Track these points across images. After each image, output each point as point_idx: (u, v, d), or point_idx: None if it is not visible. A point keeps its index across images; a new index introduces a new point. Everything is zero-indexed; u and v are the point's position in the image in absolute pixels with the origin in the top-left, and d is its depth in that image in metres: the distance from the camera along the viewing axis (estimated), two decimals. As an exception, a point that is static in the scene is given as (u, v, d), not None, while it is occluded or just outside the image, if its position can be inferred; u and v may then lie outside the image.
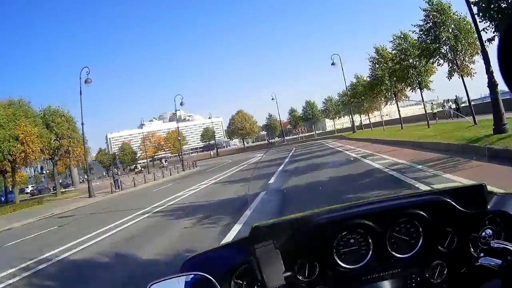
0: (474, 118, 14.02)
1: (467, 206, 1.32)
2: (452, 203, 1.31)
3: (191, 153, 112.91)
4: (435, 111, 25.61)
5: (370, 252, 1.30)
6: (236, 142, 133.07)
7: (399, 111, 28.74)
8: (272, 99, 71.63)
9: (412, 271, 1.34)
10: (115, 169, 34.93)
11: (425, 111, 22.62)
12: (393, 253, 1.32)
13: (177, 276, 1.14)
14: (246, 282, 1.27)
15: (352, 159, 13.43)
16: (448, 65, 15.91)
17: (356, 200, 1.47)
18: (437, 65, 16.70)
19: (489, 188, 1.41)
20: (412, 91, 22.76)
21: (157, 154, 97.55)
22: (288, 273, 1.20)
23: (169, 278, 1.13)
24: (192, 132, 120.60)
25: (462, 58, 15.54)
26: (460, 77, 15.79)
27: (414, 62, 20.83)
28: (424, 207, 1.32)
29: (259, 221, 1.35)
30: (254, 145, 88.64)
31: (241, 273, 1.27)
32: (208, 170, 29.32)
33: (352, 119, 45.06)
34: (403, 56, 21.39)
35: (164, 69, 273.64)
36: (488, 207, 1.36)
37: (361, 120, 47.15)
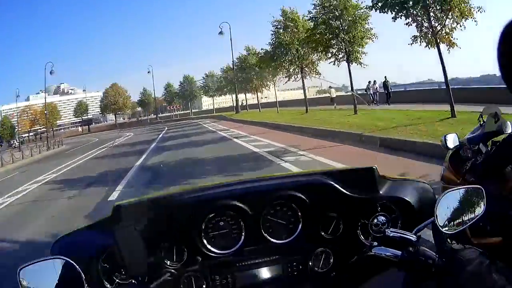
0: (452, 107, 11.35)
1: (355, 190, 1.37)
2: (335, 185, 1.36)
3: (70, 127, 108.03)
4: (334, 95, 25.13)
5: (243, 237, 1.34)
6: (113, 118, 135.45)
7: (304, 90, 24.92)
8: (148, 72, 69.04)
9: (292, 258, 1.37)
10: None
11: (354, 93, 18.57)
12: (269, 238, 1.36)
13: (44, 260, 1.12)
14: (113, 267, 1.29)
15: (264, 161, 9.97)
16: (419, 26, 11.85)
17: None
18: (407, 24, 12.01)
19: (381, 172, 1.45)
20: (335, 64, 18.54)
21: (34, 128, 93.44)
22: (152, 259, 1.24)
23: (36, 262, 1.11)
24: (73, 106, 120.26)
25: (444, 18, 11.57)
26: (434, 47, 11.91)
27: (344, 26, 17.70)
28: (302, 189, 1.35)
29: (123, 200, 1.38)
30: (129, 122, 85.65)
31: (108, 257, 1.29)
32: (68, 152, 27.00)
33: (236, 97, 42.16)
34: (330, 15, 17.91)
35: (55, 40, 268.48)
36: (380, 192, 1.40)
37: (246, 100, 46.14)
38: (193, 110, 70.25)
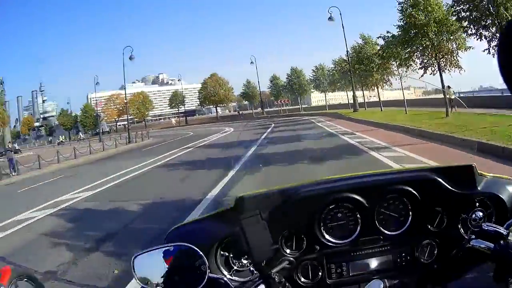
0: None
1: (457, 186, 1.54)
2: (442, 181, 1.53)
3: (169, 117, 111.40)
4: (452, 96, 21.31)
5: (358, 228, 1.51)
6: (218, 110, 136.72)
7: (443, 85, 19.79)
8: (251, 63, 68.38)
9: (401, 249, 1.54)
10: (10, 145, 29.25)
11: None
12: (382, 229, 1.52)
13: (162, 247, 1.32)
14: (233, 254, 1.50)
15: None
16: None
17: None
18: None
19: (479, 170, 1.63)
20: (490, 52, 15.81)
21: (121, 117, 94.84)
22: (275, 246, 1.36)
23: (153, 249, 1.32)
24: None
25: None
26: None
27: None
28: (413, 184, 1.52)
29: (244, 192, 1.55)
30: (231, 115, 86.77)
31: (227, 245, 1.50)
32: (146, 149, 26.78)
33: (354, 93, 39.55)
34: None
35: (152, 31, 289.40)
36: (478, 188, 1.57)
37: (364, 96, 42.39)
38: (302, 106, 68.76)
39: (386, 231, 1.53)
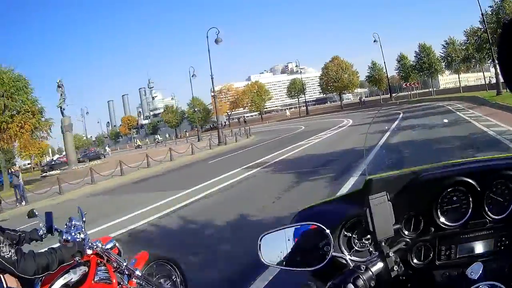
0: None
1: None
2: None
3: (287, 108, 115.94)
4: None
5: (470, 211, 1.71)
6: (349, 97, 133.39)
7: None
8: (375, 41, 65.40)
9: (502, 233, 1.71)
10: (14, 168, 25.19)
11: None
12: (489, 213, 1.70)
13: (288, 227, 1.66)
14: (356, 235, 1.76)
15: None
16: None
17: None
18: None
19: None
20: None
21: (234, 110, 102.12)
22: (397, 226, 1.62)
23: (280, 229, 1.64)
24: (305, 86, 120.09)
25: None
26: None
27: None
28: None
29: (372, 174, 1.73)
30: (355, 102, 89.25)
31: (351, 226, 1.76)
32: (227, 157, 26.55)
33: (496, 69, 33.69)
34: None
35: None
36: None
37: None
38: (434, 89, 66.26)
39: (492, 215, 1.71)
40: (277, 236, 1.66)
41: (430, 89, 67.28)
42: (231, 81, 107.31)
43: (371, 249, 1.70)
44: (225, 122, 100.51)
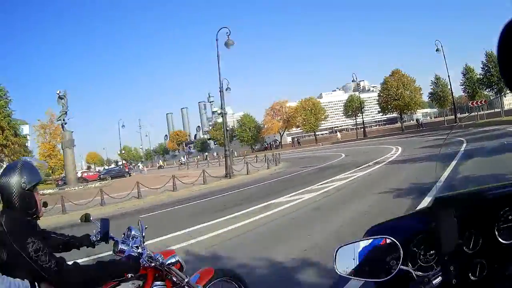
0: None
1: None
2: None
3: (334, 130, 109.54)
4: None
5: None
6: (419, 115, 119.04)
7: None
8: (437, 50, 55.90)
9: None
10: None
11: None
12: None
13: (362, 240, 1.81)
14: (421, 251, 1.81)
15: None
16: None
17: None
18: None
19: None
20: None
21: (289, 130, 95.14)
22: (459, 241, 1.71)
23: (354, 242, 1.80)
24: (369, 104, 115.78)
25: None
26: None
27: None
28: None
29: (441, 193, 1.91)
30: (412, 124, 78.57)
31: (418, 241, 1.82)
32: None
33: None
34: None
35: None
36: None
37: None
38: (499, 109, 53.55)
39: None
40: (351, 248, 1.77)
41: (498, 109, 54.91)
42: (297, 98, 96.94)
43: (434, 265, 1.75)
44: (276, 142, 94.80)
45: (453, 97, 65.03)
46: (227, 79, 34.43)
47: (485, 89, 57.50)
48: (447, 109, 75.49)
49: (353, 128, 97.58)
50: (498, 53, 0.93)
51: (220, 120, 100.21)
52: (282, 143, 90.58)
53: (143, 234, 3.45)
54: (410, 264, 1.79)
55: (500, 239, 1.68)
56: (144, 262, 3.15)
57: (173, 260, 3.46)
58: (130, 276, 3.07)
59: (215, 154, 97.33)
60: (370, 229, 2.04)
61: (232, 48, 27.80)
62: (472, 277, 1.70)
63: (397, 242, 1.66)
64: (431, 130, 54.90)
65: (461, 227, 1.72)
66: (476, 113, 51.91)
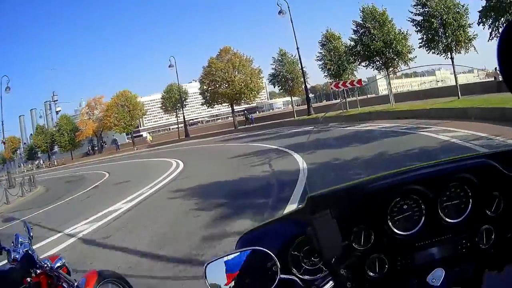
0: None
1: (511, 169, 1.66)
2: (499, 167, 1.67)
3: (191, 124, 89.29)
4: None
5: (423, 218, 1.66)
6: (280, 104, 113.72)
7: None
8: (280, 12, 40.83)
9: (461, 237, 1.69)
10: None
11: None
12: (445, 218, 1.66)
13: (233, 253, 1.51)
14: (303, 254, 1.63)
15: None
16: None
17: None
18: None
19: None
20: None
21: (107, 131, 74.32)
22: (345, 243, 1.54)
23: (225, 256, 1.50)
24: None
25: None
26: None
27: None
28: (473, 171, 1.67)
29: (314, 191, 1.66)
30: (267, 115, 63.10)
31: (298, 245, 1.63)
32: None
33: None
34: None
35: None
36: None
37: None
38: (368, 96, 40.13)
39: (448, 220, 1.67)
40: (223, 262, 1.56)
41: (372, 95, 50.46)
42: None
43: (321, 266, 1.64)
44: (91, 148, 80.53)
45: (304, 78, 43.07)
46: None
47: (359, 64, 34.98)
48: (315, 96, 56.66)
49: (174, 128, 78.71)
50: (499, 53, 0.93)
51: (42, 123, 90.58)
52: (119, 144, 73.12)
53: (31, 235, 3.45)
54: (294, 270, 1.66)
55: (396, 231, 1.64)
56: (37, 264, 3.09)
57: (59, 263, 3.37)
58: (29, 282, 3.00)
59: (41, 162, 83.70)
60: (242, 237, 1.82)
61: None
62: (371, 274, 1.65)
63: (268, 252, 1.47)
64: (266, 126, 41.08)
65: (346, 226, 1.57)
66: (343, 100, 35.71)
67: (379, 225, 1.64)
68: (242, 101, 52.75)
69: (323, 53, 39.17)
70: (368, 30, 30.73)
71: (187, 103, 66.23)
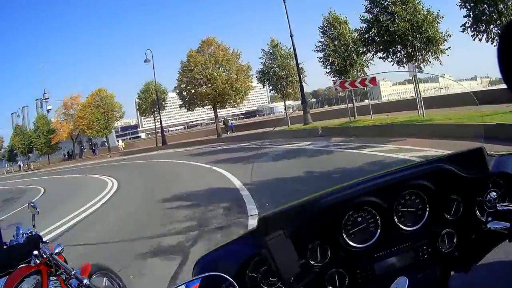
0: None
1: (469, 171, 1.69)
2: (454, 169, 1.67)
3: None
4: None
5: (379, 229, 1.62)
6: (281, 108, 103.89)
7: None
8: None
9: (422, 243, 1.67)
10: None
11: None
12: (402, 226, 1.64)
13: (189, 281, 1.46)
14: (261, 275, 1.58)
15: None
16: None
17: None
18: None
19: (488, 151, 1.78)
20: None
21: (85, 134, 63.86)
22: (302, 261, 1.52)
23: (182, 284, 1.43)
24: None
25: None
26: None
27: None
28: (427, 177, 1.65)
29: (265, 211, 1.63)
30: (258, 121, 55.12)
31: (254, 266, 1.58)
32: None
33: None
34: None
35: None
36: (490, 169, 1.73)
37: None
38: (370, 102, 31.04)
39: (405, 228, 1.65)
40: None
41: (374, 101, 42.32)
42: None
43: (280, 285, 1.59)
44: (66, 153, 71.08)
45: (299, 75, 33.38)
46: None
47: (373, 55, 25.95)
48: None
49: (153, 132, 66.55)
50: (499, 53, 0.92)
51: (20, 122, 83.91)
52: (110, 147, 64.20)
53: (37, 211, 3.66)
54: None
55: (352, 244, 1.62)
56: (40, 248, 3.10)
57: (59, 249, 3.34)
58: (35, 255, 3.04)
59: (21, 164, 74.02)
60: (197, 264, 1.75)
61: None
62: None
63: (226, 277, 1.44)
64: (250, 137, 32.55)
65: (300, 243, 1.55)
66: (349, 105, 26.49)
67: (334, 239, 1.61)
68: (227, 104, 43.85)
69: (324, 42, 29.04)
70: (387, 7, 22.24)
71: (167, 104, 59.51)
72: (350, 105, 26.12)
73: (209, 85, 41.51)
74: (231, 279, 1.42)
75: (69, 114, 65.46)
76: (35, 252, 3.03)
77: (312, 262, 1.59)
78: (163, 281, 5.92)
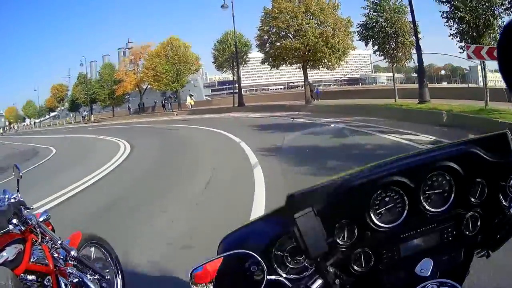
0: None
1: (494, 155, 1.75)
2: (480, 152, 1.74)
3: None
4: None
5: (406, 209, 1.69)
6: (383, 79, 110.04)
7: None
8: None
9: (446, 225, 1.74)
10: None
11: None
12: (428, 208, 1.70)
13: (217, 258, 1.55)
14: (288, 254, 1.64)
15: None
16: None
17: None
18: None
19: None
20: None
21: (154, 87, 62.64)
22: (330, 239, 1.55)
23: (208, 261, 1.53)
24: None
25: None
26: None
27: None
28: (455, 159, 1.71)
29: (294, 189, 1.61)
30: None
31: (281, 245, 1.64)
32: None
33: None
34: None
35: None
36: None
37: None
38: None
39: (432, 209, 1.71)
40: (209, 268, 1.59)
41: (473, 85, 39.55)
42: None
43: (306, 264, 1.65)
44: (138, 106, 72.14)
45: (416, 34, 26.19)
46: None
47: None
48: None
49: (231, 92, 60.85)
50: (499, 53, 0.96)
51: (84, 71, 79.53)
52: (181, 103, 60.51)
53: (21, 175, 3.55)
54: (280, 270, 1.64)
55: (379, 224, 1.66)
56: (23, 215, 3.05)
57: (45, 216, 3.32)
58: (15, 224, 2.99)
59: (85, 115, 78.41)
60: (224, 240, 1.79)
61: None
62: (358, 269, 1.67)
63: (253, 254, 1.48)
64: (339, 110, 27.00)
65: (329, 222, 1.58)
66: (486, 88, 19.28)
67: (361, 219, 1.65)
68: (321, 64, 37.55)
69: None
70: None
71: (249, 60, 53.60)
72: (487, 84, 19.46)
73: (298, 38, 35.74)
74: (257, 256, 1.45)
75: (137, 64, 62.94)
76: (14, 221, 2.89)
77: (339, 241, 1.62)
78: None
